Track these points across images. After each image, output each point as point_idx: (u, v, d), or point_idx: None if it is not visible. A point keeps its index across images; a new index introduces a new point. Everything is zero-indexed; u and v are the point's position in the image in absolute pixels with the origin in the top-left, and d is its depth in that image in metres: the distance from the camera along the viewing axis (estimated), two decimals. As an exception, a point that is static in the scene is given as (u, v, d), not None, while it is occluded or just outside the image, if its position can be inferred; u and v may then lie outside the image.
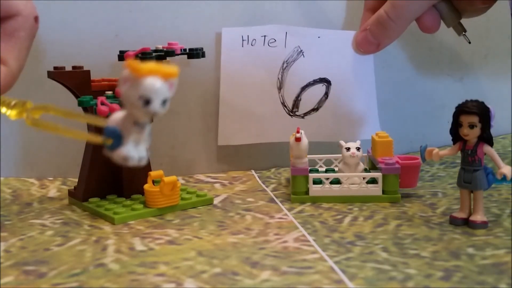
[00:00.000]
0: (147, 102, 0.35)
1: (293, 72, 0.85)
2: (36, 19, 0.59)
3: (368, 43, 0.69)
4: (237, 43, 0.84)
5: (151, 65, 0.36)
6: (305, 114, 0.86)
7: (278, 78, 0.84)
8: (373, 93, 0.90)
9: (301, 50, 0.84)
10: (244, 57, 0.85)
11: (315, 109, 0.86)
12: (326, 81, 0.85)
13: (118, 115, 0.38)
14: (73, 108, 0.71)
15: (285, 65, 0.84)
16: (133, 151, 0.38)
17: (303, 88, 0.85)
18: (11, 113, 0.44)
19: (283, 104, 0.85)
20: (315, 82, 0.85)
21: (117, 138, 0.37)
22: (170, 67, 0.36)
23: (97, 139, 0.40)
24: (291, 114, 0.86)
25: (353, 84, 0.87)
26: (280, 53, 0.85)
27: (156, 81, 0.35)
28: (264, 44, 0.84)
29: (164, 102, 0.36)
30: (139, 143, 0.38)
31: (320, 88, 0.85)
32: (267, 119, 0.86)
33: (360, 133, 0.87)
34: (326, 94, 0.85)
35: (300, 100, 0.85)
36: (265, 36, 0.84)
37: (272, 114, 0.86)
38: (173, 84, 0.37)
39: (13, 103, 0.44)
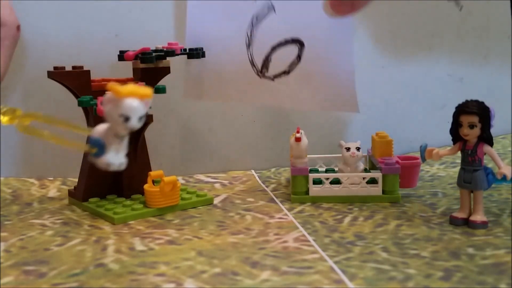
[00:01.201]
0: (126, 119, 0.42)
1: (264, 29, 0.77)
2: (18, 27, 0.65)
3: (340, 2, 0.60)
4: None
5: (129, 87, 0.43)
6: (275, 76, 0.78)
7: (247, 34, 0.77)
8: (351, 65, 0.77)
9: (272, 5, 0.76)
10: (211, 11, 0.79)
11: (286, 72, 0.77)
12: (299, 42, 0.76)
13: (100, 127, 0.44)
14: (69, 113, 0.72)
15: (254, 20, 0.76)
16: (114, 159, 0.44)
17: (274, 48, 0.77)
18: (2, 119, 0.46)
19: (252, 63, 0.77)
20: (286, 42, 0.77)
21: (101, 147, 0.44)
22: (145, 89, 0.43)
23: (83, 147, 0.47)
24: (260, 75, 0.78)
25: (329, 50, 0.77)
26: (249, 6, 0.77)
27: (134, 102, 0.42)
28: None
29: (140, 118, 0.43)
30: (119, 151, 0.44)
31: (293, 50, 0.76)
32: (233, 78, 0.79)
33: (335, 106, 0.79)
34: (299, 57, 0.76)
35: (270, 60, 0.77)
36: None
37: (240, 74, 0.79)
38: (148, 103, 0.43)
39: (3, 110, 0.46)
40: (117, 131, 0.43)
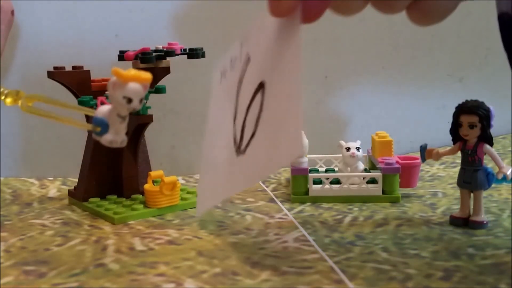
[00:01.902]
0: (129, 100, 0.47)
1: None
2: (12, 12, 0.67)
3: None
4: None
5: (132, 72, 0.47)
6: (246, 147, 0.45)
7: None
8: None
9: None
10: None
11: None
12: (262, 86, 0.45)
13: (104, 108, 0.49)
14: (69, 113, 0.72)
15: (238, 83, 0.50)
16: (116, 136, 0.48)
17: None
18: (6, 100, 0.51)
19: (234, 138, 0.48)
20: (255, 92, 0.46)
21: (104, 126, 0.48)
22: (145, 73, 0.47)
23: (86, 126, 0.50)
24: (237, 152, 0.47)
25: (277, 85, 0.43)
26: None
27: (136, 85, 0.47)
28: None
29: (141, 100, 0.48)
30: (120, 130, 0.49)
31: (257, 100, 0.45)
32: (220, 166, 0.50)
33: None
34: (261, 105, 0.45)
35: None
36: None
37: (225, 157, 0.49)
38: (147, 87, 0.48)
39: (6, 91, 0.50)
40: (119, 111, 0.48)
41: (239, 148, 0.47)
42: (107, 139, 0.48)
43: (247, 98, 0.47)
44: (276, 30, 0.45)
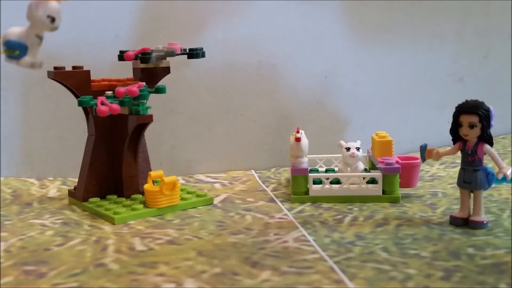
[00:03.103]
0: (53, 20, 0.49)
1: None
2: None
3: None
4: None
5: None
6: None
7: None
8: None
9: None
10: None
11: None
12: None
13: (15, 30, 0.49)
14: (69, 113, 0.72)
15: None
16: (35, 59, 0.49)
17: None
18: None
19: None
20: None
21: (23, 49, 0.48)
22: None
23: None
24: None
25: None
26: None
27: (57, 4, 0.50)
28: None
29: (60, 19, 0.50)
30: (37, 52, 0.49)
31: None
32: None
33: None
34: None
35: None
36: None
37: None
38: (60, 6, 0.50)
39: None
40: (39, 32, 0.49)
41: None
42: (27, 61, 0.48)
43: None
44: None
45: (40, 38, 0.49)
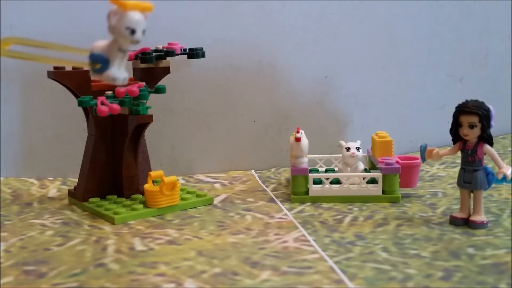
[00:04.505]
0: (132, 32, 0.45)
1: None
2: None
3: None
4: None
5: (133, 1, 0.45)
6: None
7: None
8: None
9: None
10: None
11: None
12: None
13: (100, 43, 0.47)
14: (69, 113, 0.72)
15: None
16: (118, 73, 0.46)
17: None
18: None
19: None
20: None
21: (105, 62, 0.46)
22: (147, 3, 0.45)
23: (80, 64, 0.49)
24: None
25: None
26: None
27: (138, 14, 0.45)
28: None
29: (143, 31, 0.45)
30: (121, 66, 0.46)
31: None
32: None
33: None
34: None
35: None
36: None
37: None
38: (147, 17, 0.45)
39: None
40: (121, 45, 0.46)
41: None
42: (110, 75, 0.45)
43: None
44: None
45: (123, 51, 0.46)
